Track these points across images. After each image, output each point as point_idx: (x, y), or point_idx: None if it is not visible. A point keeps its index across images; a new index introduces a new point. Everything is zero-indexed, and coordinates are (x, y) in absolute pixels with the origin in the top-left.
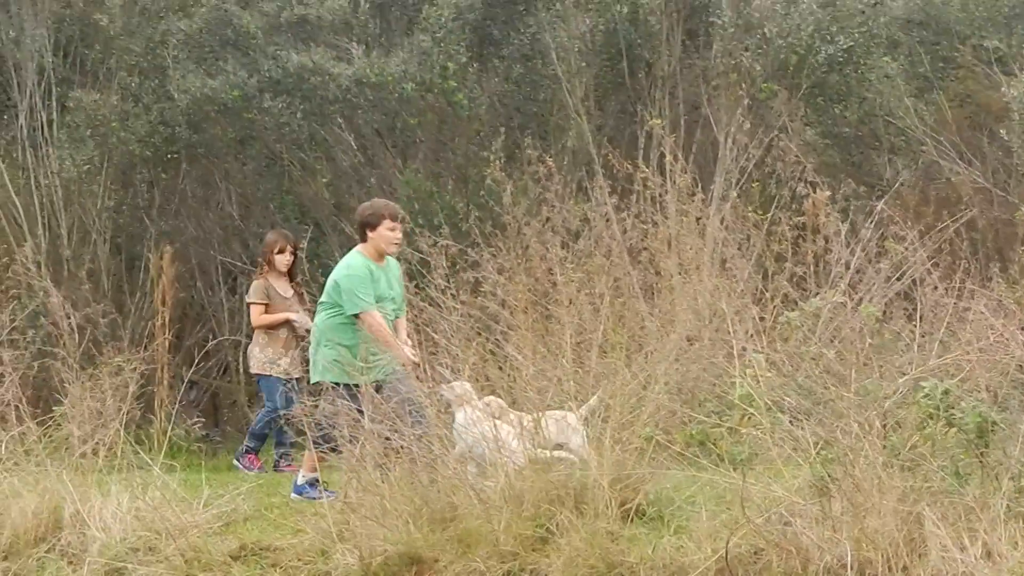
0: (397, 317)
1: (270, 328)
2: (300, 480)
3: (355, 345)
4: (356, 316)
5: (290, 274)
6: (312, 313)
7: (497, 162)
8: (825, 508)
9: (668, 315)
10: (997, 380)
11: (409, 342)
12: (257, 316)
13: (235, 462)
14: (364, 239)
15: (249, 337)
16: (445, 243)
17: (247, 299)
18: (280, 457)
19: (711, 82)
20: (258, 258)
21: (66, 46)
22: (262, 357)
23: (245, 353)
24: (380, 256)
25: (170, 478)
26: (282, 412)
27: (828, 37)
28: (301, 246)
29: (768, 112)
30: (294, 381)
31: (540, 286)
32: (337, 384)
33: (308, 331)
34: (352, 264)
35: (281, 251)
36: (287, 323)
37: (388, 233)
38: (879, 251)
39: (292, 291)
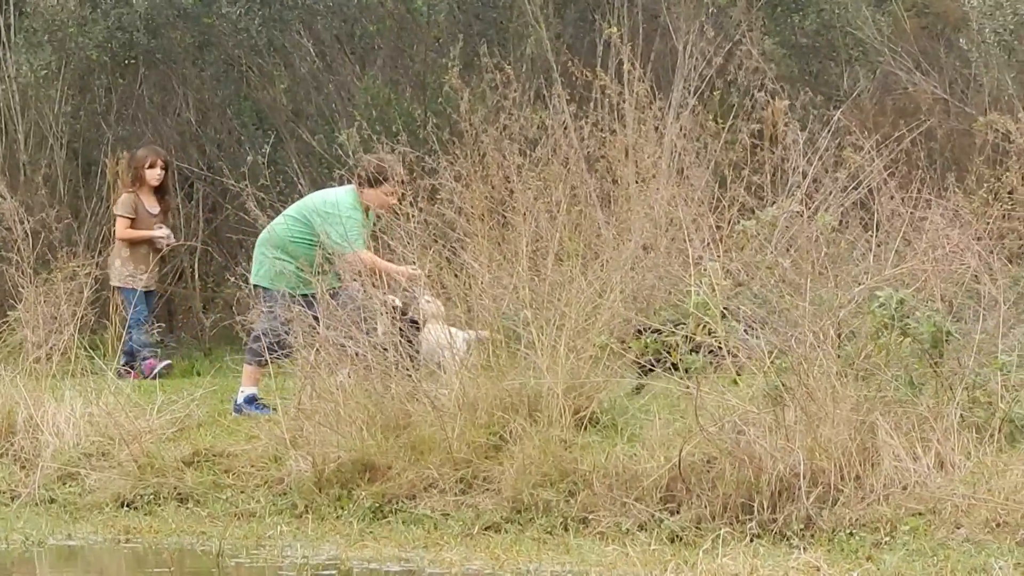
0: None
1: (133, 243)
2: (240, 397)
3: (310, 263)
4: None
5: (161, 189)
6: (176, 230)
7: (455, 69)
8: (779, 417)
9: (624, 223)
10: (952, 290)
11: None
12: (122, 229)
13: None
14: (361, 185)
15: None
16: (402, 150)
17: (114, 211)
18: (124, 364)
19: None
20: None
21: None
22: (124, 271)
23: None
24: (381, 206)
25: (124, 384)
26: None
27: None
28: (171, 161)
29: (727, 21)
30: (147, 294)
31: (497, 194)
32: (293, 293)
33: (170, 246)
34: (353, 206)
35: (152, 166)
36: (150, 240)
37: (385, 198)
38: (836, 160)
39: (159, 207)
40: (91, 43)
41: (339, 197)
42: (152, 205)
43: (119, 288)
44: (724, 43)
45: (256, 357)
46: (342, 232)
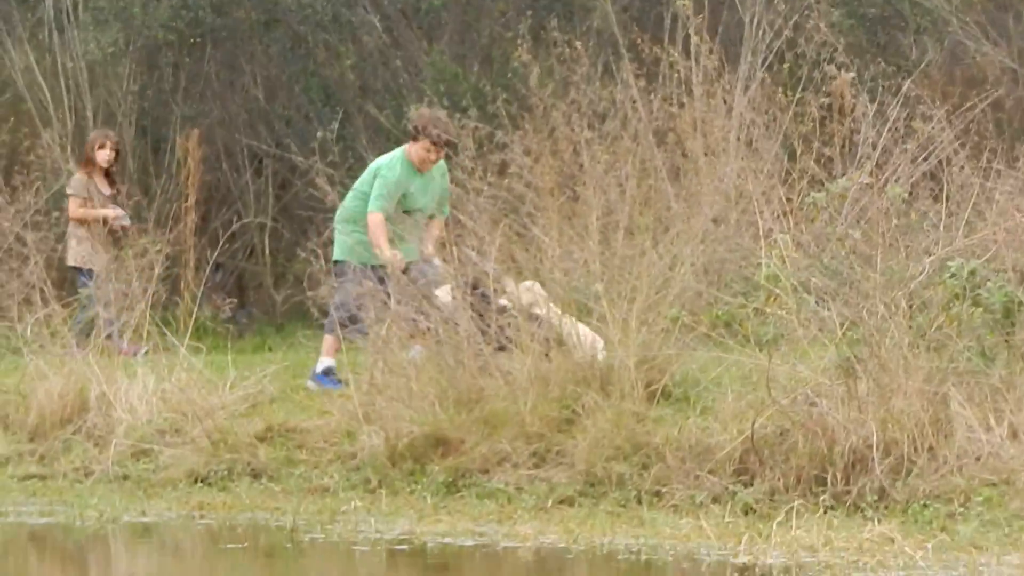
0: (432, 217)
1: (87, 223)
2: (319, 367)
3: None
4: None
5: (111, 172)
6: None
7: (523, 44)
8: (851, 389)
9: (694, 197)
10: (1023, 260)
11: (431, 247)
12: (74, 209)
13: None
14: (414, 140)
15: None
16: (472, 125)
17: (67, 190)
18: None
19: None
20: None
21: None
22: (80, 250)
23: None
24: (421, 163)
25: (196, 360)
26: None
27: None
28: (120, 145)
29: None
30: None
31: (567, 168)
32: (365, 265)
33: (124, 228)
34: (390, 165)
35: (101, 147)
36: (105, 220)
37: (423, 152)
38: (906, 131)
39: (111, 189)
40: (156, 22)
41: (391, 156)
42: (104, 187)
43: (75, 268)
44: (792, 15)
45: (337, 327)
46: (374, 192)
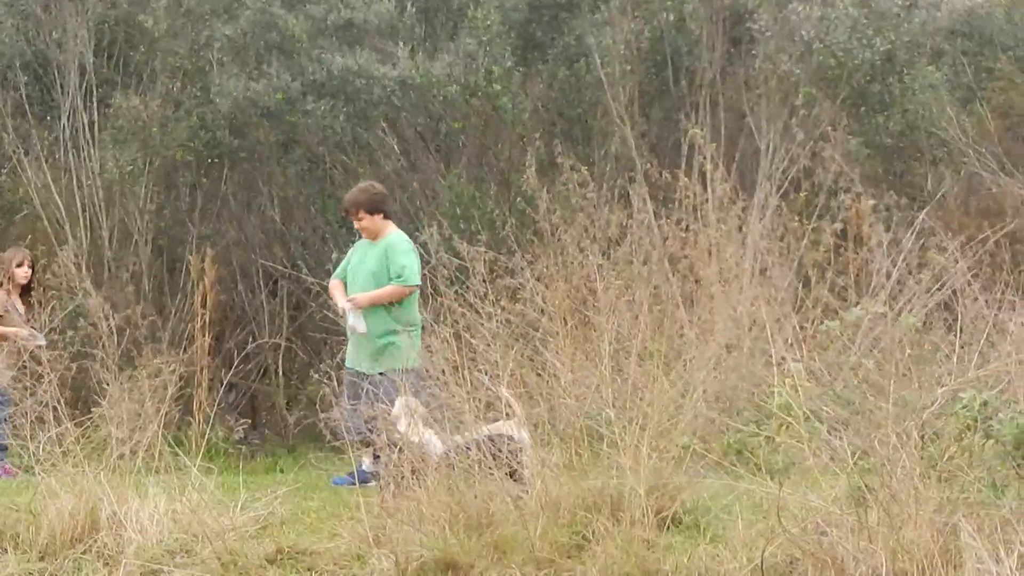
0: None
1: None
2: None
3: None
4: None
5: (26, 289)
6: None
7: (532, 168)
8: (861, 518)
9: (707, 323)
10: None
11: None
12: None
13: None
14: None
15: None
16: (483, 249)
17: None
18: None
19: (754, 89)
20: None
21: (109, 47)
22: None
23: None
24: (372, 236)
25: (208, 480)
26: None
27: (865, 40)
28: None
29: (811, 121)
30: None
31: (579, 293)
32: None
33: (36, 347)
34: None
35: (20, 264)
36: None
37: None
38: (920, 262)
39: (27, 309)
40: (175, 142)
41: None
42: (20, 305)
43: None
44: (808, 143)
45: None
46: None
